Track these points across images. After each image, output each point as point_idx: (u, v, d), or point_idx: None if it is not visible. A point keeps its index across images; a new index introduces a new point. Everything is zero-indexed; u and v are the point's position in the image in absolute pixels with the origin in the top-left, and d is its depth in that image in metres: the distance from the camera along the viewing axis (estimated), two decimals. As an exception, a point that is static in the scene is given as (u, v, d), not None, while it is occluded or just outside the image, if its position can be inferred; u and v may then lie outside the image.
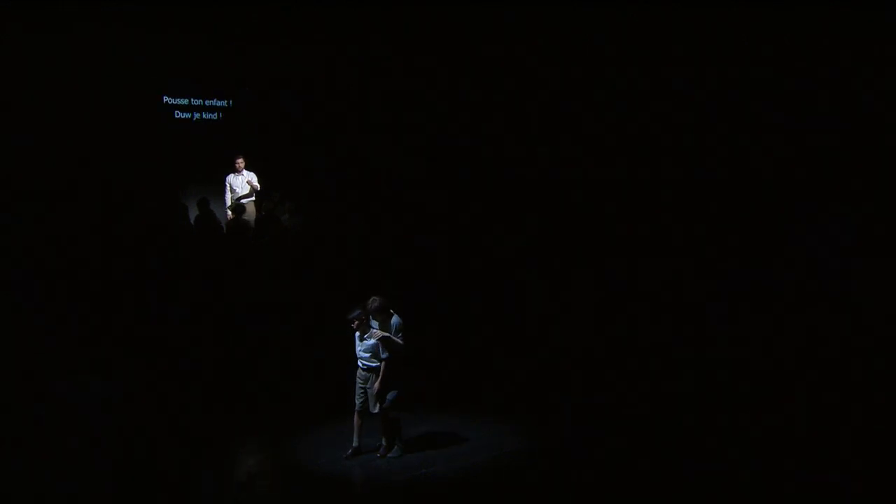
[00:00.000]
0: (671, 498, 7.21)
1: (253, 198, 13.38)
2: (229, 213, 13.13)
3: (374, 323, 8.13)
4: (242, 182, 13.32)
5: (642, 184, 12.98)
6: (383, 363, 8.04)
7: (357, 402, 8.23)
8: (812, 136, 11.89)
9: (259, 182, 13.38)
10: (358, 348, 8.20)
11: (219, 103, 14.48)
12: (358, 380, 8.23)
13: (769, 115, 12.36)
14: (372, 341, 8.07)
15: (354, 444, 8.26)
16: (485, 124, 14.08)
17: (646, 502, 7.19)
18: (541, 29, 13.68)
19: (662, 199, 12.75)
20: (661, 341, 11.05)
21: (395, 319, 8.11)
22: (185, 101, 14.29)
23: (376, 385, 8.05)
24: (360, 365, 8.20)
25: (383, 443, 8.25)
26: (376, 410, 8.14)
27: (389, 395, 8.07)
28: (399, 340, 8.05)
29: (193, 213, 13.10)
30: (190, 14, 13.46)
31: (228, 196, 13.37)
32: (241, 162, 13.30)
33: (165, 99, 14.15)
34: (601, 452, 8.19)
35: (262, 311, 11.17)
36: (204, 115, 14.40)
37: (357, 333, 8.18)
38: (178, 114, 14.25)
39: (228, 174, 13.37)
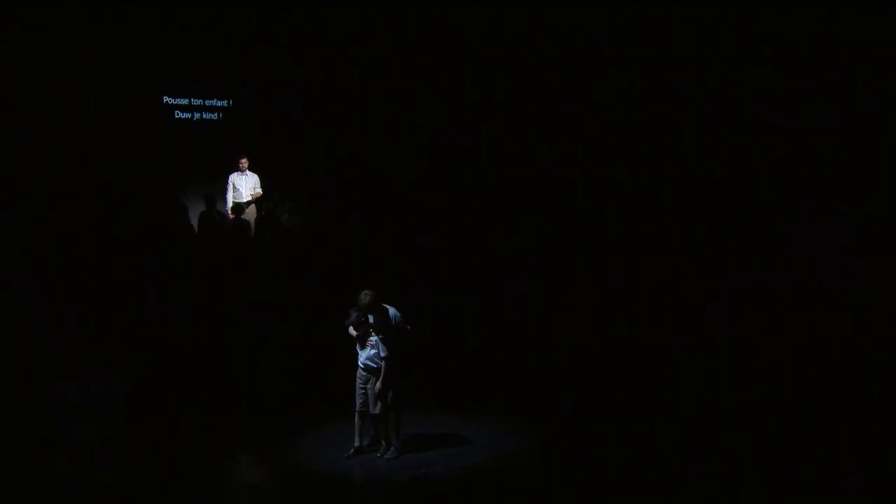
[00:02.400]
0: (671, 498, 7.21)
1: (253, 202, 13.45)
2: (230, 213, 13.16)
3: (371, 318, 8.09)
4: (246, 182, 13.34)
5: (642, 184, 12.99)
6: (384, 362, 8.02)
7: (357, 402, 8.22)
8: (812, 136, 11.90)
9: (262, 185, 13.45)
10: (359, 349, 8.18)
11: (219, 103, 14.48)
12: (358, 380, 8.21)
13: (769, 115, 12.37)
14: (374, 339, 8.04)
15: (356, 444, 8.26)
16: (485, 124, 14.08)
17: (646, 502, 7.19)
18: (541, 29, 13.69)
19: (662, 199, 12.76)
20: (661, 341, 11.05)
21: (392, 312, 8.08)
22: (185, 101, 14.29)
23: (378, 385, 8.03)
24: (361, 365, 8.18)
25: (383, 443, 8.25)
26: (377, 411, 8.12)
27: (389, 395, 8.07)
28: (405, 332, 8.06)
29: (198, 209, 13.10)
30: (190, 14, 13.47)
31: (230, 195, 13.38)
32: (244, 162, 13.33)
33: (165, 99, 14.15)
34: (601, 452, 8.19)
35: (262, 311, 11.17)
36: (204, 115, 14.40)
37: (356, 334, 8.15)
38: (177, 114, 14.25)
39: (232, 173, 13.39)
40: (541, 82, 13.98)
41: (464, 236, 13.01)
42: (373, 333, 8.04)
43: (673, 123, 13.00)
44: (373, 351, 8.09)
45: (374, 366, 8.09)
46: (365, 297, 7.96)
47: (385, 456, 8.16)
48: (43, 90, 12.72)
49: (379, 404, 8.08)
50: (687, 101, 12.89)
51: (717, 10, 12.36)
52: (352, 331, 8.15)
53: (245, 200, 13.30)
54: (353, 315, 8.04)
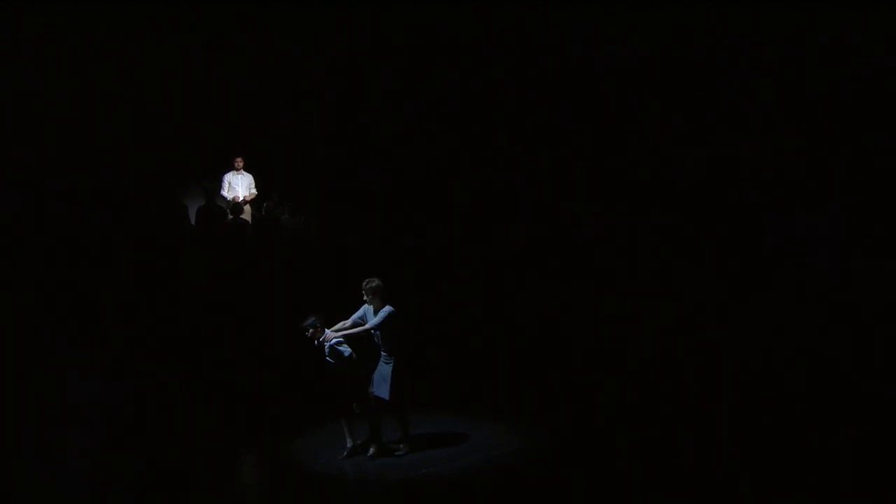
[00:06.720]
0: (671, 498, 7.21)
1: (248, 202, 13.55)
2: (229, 213, 13.21)
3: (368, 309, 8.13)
4: (241, 181, 13.46)
5: (641, 183, 12.99)
6: (349, 363, 8.05)
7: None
8: (809, 137, 11.91)
9: (257, 185, 13.59)
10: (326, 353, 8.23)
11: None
12: None
13: (767, 114, 12.38)
14: (329, 344, 8.07)
15: (349, 444, 8.28)
16: (484, 124, 14.09)
17: (646, 502, 7.19)
18: (540, 28, 13.70)
19: (662, 199, 12.76)
20: (661, 341, 11.04)
21: (386, 308, 8.10)
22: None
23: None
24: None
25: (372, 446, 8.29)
26: (358, 411, 8.17)
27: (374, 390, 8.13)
28: (360, 330, 8.07)
29: (197, 204, 13.18)
30: (189, 14, 13.48)
31: (226, 194, 13.47)
32: (240, 161, 13.47)
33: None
34: (601, 452, 8.19)
35: (260, 311, 11.17)
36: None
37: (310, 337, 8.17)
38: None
39: (227, 172, 13.49)
40: (539, 81, 14.00)
41: (463, 236, 13.01)
42: (326, 340, 8.07)
43: (671, 122, 13.02)
44: (331, 356, 8.12)
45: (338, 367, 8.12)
46: (370, 282, 8.07)
47: (367, 454, 8.19)
48: (43, 91, 12.73)
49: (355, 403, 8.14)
50: (685, 100, 12.91)
51: (714, 10, 12.41)
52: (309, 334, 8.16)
53: (241, 193, 13.43)
54: (310, 320, 8.10)
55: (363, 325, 8.10)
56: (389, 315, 8.07)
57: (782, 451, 7.92)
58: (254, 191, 13.59)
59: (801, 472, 7.47)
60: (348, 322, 8.20)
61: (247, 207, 13.41)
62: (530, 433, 8.83)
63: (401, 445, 8.30)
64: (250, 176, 13.58)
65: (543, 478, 7.73)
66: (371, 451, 8.22)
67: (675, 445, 8.26)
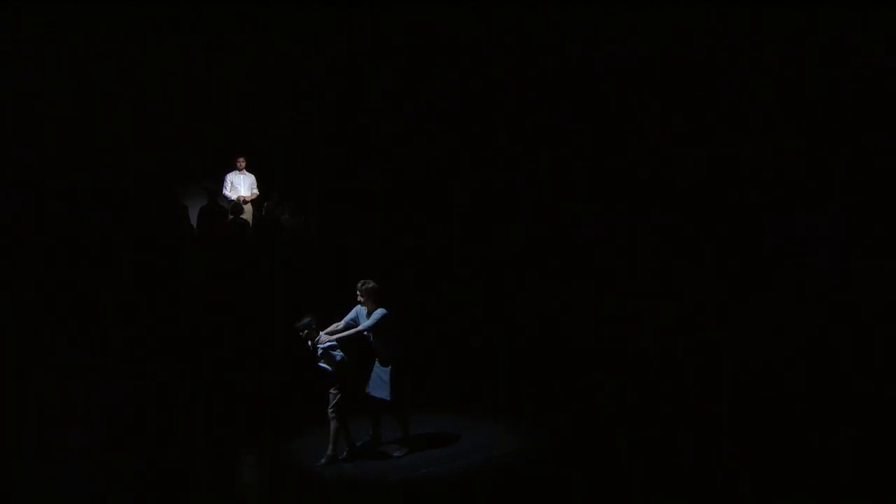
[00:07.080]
0: (671, 498, 7.21)
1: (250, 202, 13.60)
2: (229, 213, 13.22)
3: (322, 335, 8.15)
4: (244, 181, 13.52)
5: (641, 183, 12.99)
6: (338, 367, 8.05)
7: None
8: (808, 137, 11.90)
9: (258, 186, 13.66)
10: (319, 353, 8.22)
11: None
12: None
13: (767, 114, 12.37)
14: (322, 347, 8.07)
15: (328, 452, 8.28)
16: (484, 124, 14.08)
17: (646, 502, 7.19)
18: (540, 28, 13.70)
19: (662, 199, 12.75)
20: (661, 341, 11.04)
21: (378, 311, 8.08)
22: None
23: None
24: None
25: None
26: (333, 415, 8.18)
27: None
28: (353, 332, 8.05)
29: (198, 206, 13.20)
30: (189, 14, 13.48)
31: (228, 193, 13.51)
32: (242, 161, 13.52)
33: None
34: (600, 452, 8.19)
35: (260, 311, 11.16)
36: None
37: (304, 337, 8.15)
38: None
39: (229, 172, 13.54)
40: (539, 80, 13.99)
41: (463, 236, 13.01)
42: (319, 342, 8.05)
43: (671, 122, 13.01)
44: (322, 359, 8.10)
45: (329, 369, 8.11)
46: (364, 283, 8.08)
47: (321, 461, 8.13)
48: (43, 91, 12.73)
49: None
50: (684, 99, 12.89)
51: (713, 9, 12.40)
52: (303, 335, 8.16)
53: (243, 193, 13.49)
54: (305, 320, 8.09)
55: (356, 326, 8.10)
56: (383, 317, 8.06)
57: (782, 451, 7.92)
58: (256, 191, 13.66)
59: (801, 472, 7.47)
60: (340, 324, 8.20)
61: (247, 207, 13.46)
62: (530, 433, 8.82)
63: (400, 447, 8.30)
64: (252, 176, 13.66)
65: (543, 478, 7.73)
66: (326, 455, 8.15)
67: (675, 445, 8.26)
